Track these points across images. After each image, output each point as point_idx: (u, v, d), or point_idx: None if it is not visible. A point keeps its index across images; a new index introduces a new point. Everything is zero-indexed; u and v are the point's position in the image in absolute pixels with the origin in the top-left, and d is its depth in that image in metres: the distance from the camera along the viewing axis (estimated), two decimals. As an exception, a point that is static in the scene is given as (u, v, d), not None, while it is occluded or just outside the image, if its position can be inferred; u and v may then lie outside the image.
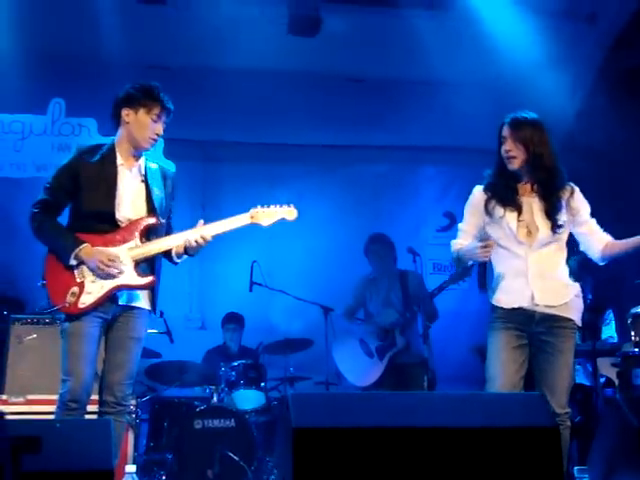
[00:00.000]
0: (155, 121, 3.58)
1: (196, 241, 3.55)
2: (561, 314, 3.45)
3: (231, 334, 6.36)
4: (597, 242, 3.58)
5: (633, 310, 4.98)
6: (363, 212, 7.31)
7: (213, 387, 5.43)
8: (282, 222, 6.96)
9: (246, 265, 6.02)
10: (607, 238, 3.58)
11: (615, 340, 5.77)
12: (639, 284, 5.24)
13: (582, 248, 3.65)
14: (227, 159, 7.23)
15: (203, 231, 3.58)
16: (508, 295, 3.49)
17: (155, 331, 5.75)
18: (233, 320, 6.39)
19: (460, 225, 3.74)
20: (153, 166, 3.71)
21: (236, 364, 5.61)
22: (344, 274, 6.21)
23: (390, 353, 5.50)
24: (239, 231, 6.88)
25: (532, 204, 3.53)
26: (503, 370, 3.40)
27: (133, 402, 4.72)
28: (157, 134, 3.60)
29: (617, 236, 3.64)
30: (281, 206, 3.86)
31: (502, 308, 3.50)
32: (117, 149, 3.62)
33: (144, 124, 3.56)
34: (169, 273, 7.05)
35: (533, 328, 3.46)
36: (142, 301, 3.59)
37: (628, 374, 4.86)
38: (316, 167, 7.39)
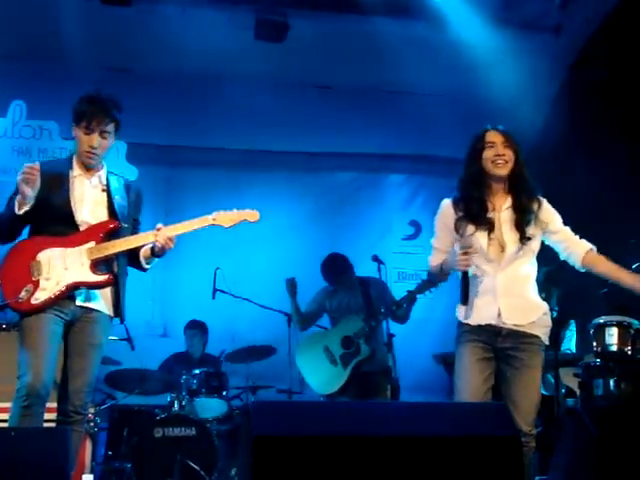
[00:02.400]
0: (87, 133, 3.56)
1: (158, 242, 3.53)
2: (528, 331, 3.45)
3: (192, 340, 6.33)
4: (576, 248, 3.53)
5: (595, 321, 5.03)
6: (328, 219, 7.34)
7: (174, 395, 5.38)
8: (246, 229, 7.02)
9: (209, 272, 6.00)
10: (587, 246, 3.53)
11: (572, 351, 5.81)
12: (602, 295, 5.35)
13: (562, 257, 3.60)
14: (192, 164, 7.20)
15: (164, 231, 3.55)
16: (475, 312, 3.47)
17: (115, 338, 5.69)
18: (195, 326, 6.37)
19: (432, 241, 3.70)
20: (115, 178, 3.74)
21: (198, 372, 5.58)
22: (309, 281, 6.15)
23: (354, 361, 5.48)
24: (203, 237, 6.95)
25: (501, 219, 3.50)
26: (470, 382, 3.40)
27: (92, 410, 4.67)
28: (91, 146, 3.56)
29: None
30: (244, 209, 3.83)
31: (469, 324, 3.49)
32: (74, 160, 3.66)
33: (78, 138, 3.60)
34: (131, 279, 7.00)
35: (499, 343, 3.45)
36: (102, 304, 3.56)
37: (589, 384, 4.95)
38: (282, 174, 7.39)
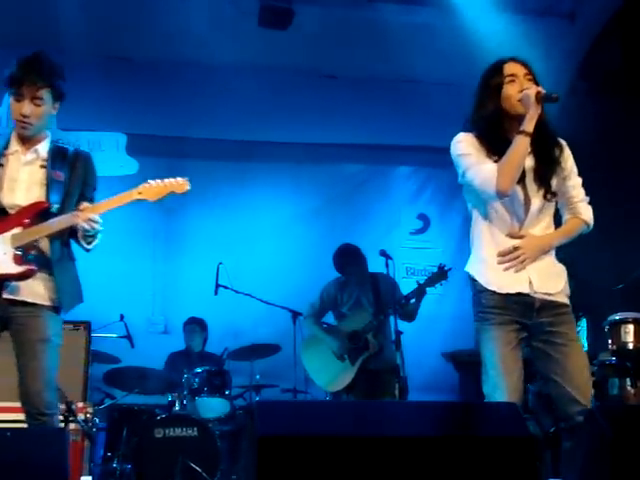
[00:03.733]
0: (18, 100, 3.34)
1: (79, 223, 3.28)
2: (559, 300, 3.14)
3: (191, 336, 6.32)
4: (565, 214, 3.27)
5: (611, 317, 4.99)
6: (335, 213, 7.32)
7: (175, 394, 5.36)
8: (249, 222, 7.11)
9: (212, 267, 6.00)
10: (580, 215, 3.23)
11: (586, 348, 5.80)
12: (616, 291, 5.33)
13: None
14: (194, 156, 7.14)
15: (86, 212, 3.29)
16: (502, 277, 3.12)
17: (114, 335, 5.69)
18: (194, 322, 6.36)
19: (472, 158, 3.15)
20: (59, 149, 3.47)
21: (200, 370, 5.56)
22: (314, 277, 6.17)
23: (362, 357, 5.47)
24: (205, 231, 7.04)
25: (525, 167, 3.14)
26: (509, 378, 3.05)
27: (90, 409, 4.66)
28: (22, 114, 3.32)
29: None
30: (172, 178, 3.57)
31: (495, 293, 3.11)
32: (12, 134, 3.44)
33: (11, 107, 3.37)
34: (130, 274, 7.03)
35: (535, 318, 3.11)
36: (39, 296, 3.32)
37: (604, 383, 4.92)
38: (287, 165, 7.39)
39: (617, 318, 4.96)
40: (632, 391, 4.79)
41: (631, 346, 4.89)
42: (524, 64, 3.20)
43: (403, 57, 6.52)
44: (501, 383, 3.04)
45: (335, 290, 5.77)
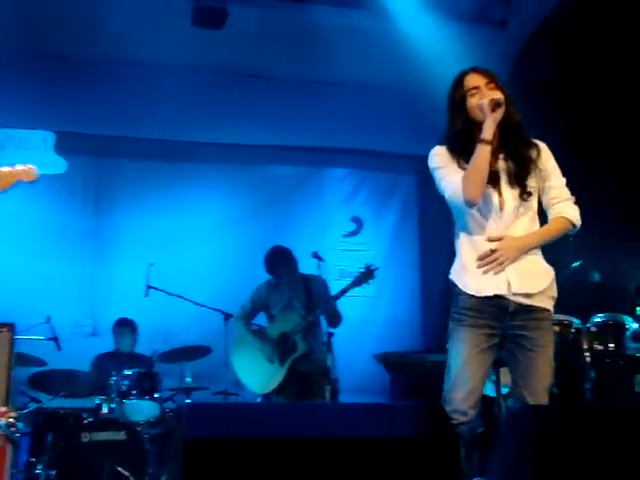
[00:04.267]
0: None
1: None
2: (537, 304, 3.16)
3: (121, 337, 6.25)
4: (549, 215, 3.29)
5: None
6: (267, 214, 7.32)
7: (103, 397, 5.29)
8: (181, 222, 7.07)
9: (142, 268, 5.96)
10: (564, 215, 3.24)
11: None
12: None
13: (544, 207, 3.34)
14: (124, 155, 7.11)
15: None
16: (479, 280, 3.17)
17: (41, 337, 5.58)
18: (123, 324, 6.28)
19: (441, 172, 3.25)
20: None
21: (129, 373, 5.49)
22: (246, 278, 6.16)
23: (291, 358, 5.50)
24: (135, 231, 6.96)
25: (498, 170, 3.22)
26: (470, 378, 3.12)
27: (13, 414, 4.56)
28: None
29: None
30: (18, 166, 3.43)
31: (472, 297, 3.16)
32: None
33: None
34: (58, 275, 6.90)
35: (507, 322, 3.15)
36: None
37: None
38: (220, 166, 7.38)
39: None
40: (555, 392, 4.88)
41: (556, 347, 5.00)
42: (485, 73, 3.26)
43: (337, 59, 6.57)
44: (462, 382, 3.12)
45: (266, 292, 5.78)
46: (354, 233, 7.77)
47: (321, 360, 5.33)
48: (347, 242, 7.71)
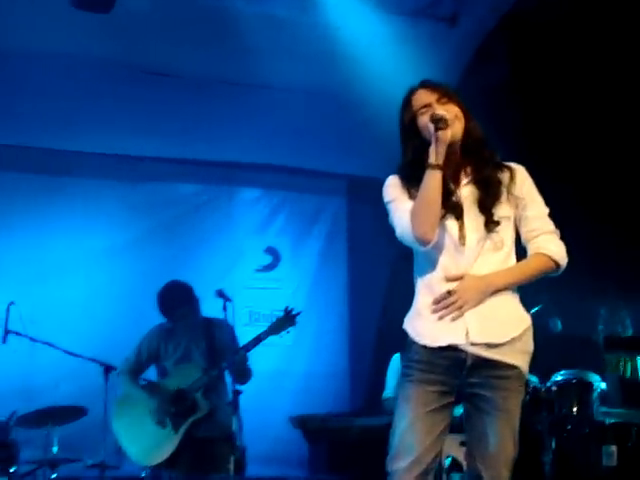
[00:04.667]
0: None
1: None
2: (502, 359, 3.10)
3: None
4: (528, 251, 3.27)
5: None
6: (162, 242, 7.31)
7: (-62, 476, 5.17)
8: (52, 251, 6.90)
9: (0, 308, 5.84)
10: (545, 251, 3.22)
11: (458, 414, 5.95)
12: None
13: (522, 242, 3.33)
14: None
15: None
16: (433, 328, 3.16)
17: None
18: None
19: (395, 204, 3.26)
20: None
21: (-25, 442, 5.38)
22: (134, 323, 6.11)
23: (188, 422, 5.42)
24: None
25: (461, 198, 3.22)
26: (416, 444, 3.06)
27: None
28: None
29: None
30: None
31: (424, 347, 3.15)
32: None
33: None
34: None
35: (463, 378, 3.13)
36: None
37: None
38: (106, 181, 7.34)
39: None
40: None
41: None
42: (436, 88, 3.26)
43: (254, 57, 6.56)
44: (405, 450, 3.07)
45: (158, 339, 5.71)
46: (269, 267, 7.80)
47: (225, 423, 5.27)
48: (260, 278, 7.74)
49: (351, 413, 6.54)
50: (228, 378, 5.51)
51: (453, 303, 3.12)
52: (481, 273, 3.16)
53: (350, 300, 7.78)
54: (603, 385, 5.34)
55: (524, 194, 3.25)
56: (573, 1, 6.06)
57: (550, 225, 3.27)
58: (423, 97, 3.25)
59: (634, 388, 5.80)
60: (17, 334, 5.77)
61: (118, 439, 5.52)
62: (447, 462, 5.35)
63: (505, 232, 3.21)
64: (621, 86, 6.06)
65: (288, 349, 6.99)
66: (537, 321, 5.36)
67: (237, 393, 5.15)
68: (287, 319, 5.46)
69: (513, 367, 3.11)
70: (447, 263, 3.18)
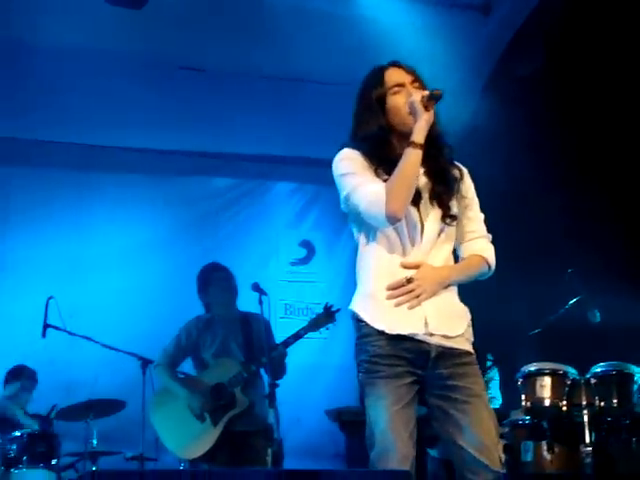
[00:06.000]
0: None
1: None
2: (460, 347, 3.16)
3: (17, 395, 6.20)
4: (462, 250, 3.34)
5: (525, 368, 5.11)
6: (197, 237, 7.34)
7: (-16, 467, 5.25)
8: (90, 246, 6.96)
9: (39, 302, 5.89)
10: (480, 252, 3.31)
11: (499, 403, 5.97)
12: (532, 337, 5.53)
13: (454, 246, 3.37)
14: (20, 161, 7.11)
15: None
16: (393, 315, 3.13)
17: None
18: (22, 375, 6.21)
19: (358, 178, 3.19)
20: None
21: (18, 434, 5.45)
22: (169, 315, 6.20)
23: (227, 416, 5.44)
24: (31, 256, 6.82)
25: (419, 186, 3.19)
26: (399, 443, 3.05)
27: None
28: None
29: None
30: None
31: (384, 335, 3.11)
32: None
33: None
34: None
35: (430, 369, 3.13)
36: None
37: (517, 448, 5.05)
38: (139, 177, 7.37)
39: (532, 369, 5.08)
40: (549, 457, 4.93)
41: (547, 402, 5.02)
42: (409, 70, 3.28)
43: (288, 50, 6.60)
44: (389, 449, 3.04)
45: (196, 331, 5.72)
46: (304, 261, 7.83)
47: (262, 417, 5.28)
48: (295, 272, 7.76)
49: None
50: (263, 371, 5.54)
51: (411, 291, 3.13)
52: (434, 264, 3.20)
53: (385, 293, 7.75)
54: (644, 376, 5.32)
55: (470, 195, 3.33)
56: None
57: (485, 230, 3.35)
58: (397, 76, 3.25)
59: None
60: (56, 328, 5.82)
61: (157, 432, 5.54)
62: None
63: (454, 228, 3.27)
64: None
65: (324, 342, 6.95)
66: (576, 312, 5.49)
67: (274, 386, 5.14)
68: (327, 315, 5.50)
69: (470, 354, 3.19)
70: (406, 249, 3.19)
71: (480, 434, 3.08)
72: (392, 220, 3.10)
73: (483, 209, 3.37)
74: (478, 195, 3.36)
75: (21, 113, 6.71)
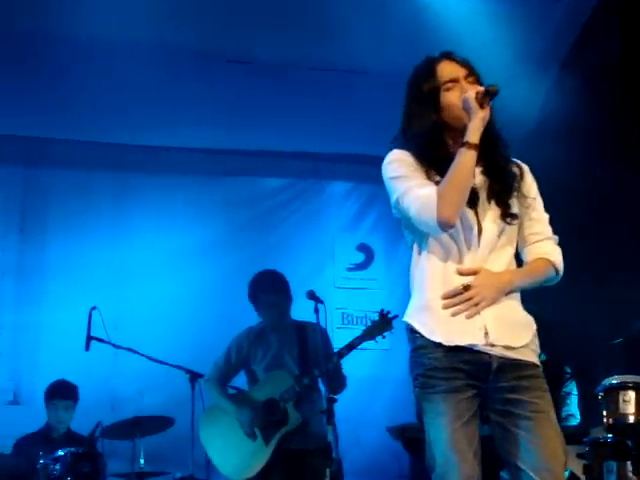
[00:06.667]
0: None
1: None
2: (525, 359, 3.08)
3: (60, 413, 6.12)
4: (526, 254, 3.26)
5: (606, 382, 4.91)
6: (248, 242, 7.30)
7: (27, 488, 5.25)
8: (134, 253, 6.96)
9: (82, 313, 5.84)
10: (546, 255, 3.22)
11: (578, 420, 5.82)
12: (614, 346, 5.35)
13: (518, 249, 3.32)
14: (55, 163, 7.09)
15: None
16: (450, 326, 3.06)
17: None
18: (64, 393, 6.14)
19: (409, 182, 3.14)
20: None
21: (62, 454, 5.38)
22: (219, 326, 6.23)
23: (280, 434, 5.41)
24: (73, 264, 6.82)
25: (476, 186, 3.16)
26: (462, 464, 2.97)
27: None
28: None
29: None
30: None
31: (441, 347, 3.04)
32: None
33: None
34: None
35: (491, 382, 3.05)
36: None
37: (598, 469, 4.82)
38: (184, 178, 7.37)
39: (613, 383, 4.86)
40: (634, 479, 4.68)
41: (632, 419, 4.79)
42: (463, 63, 3.21)
43: (342, 40, 6.51)
44: (451, 471, 2.97)
45: (247, 343, 5.72)
46: (362, 266, 7.77)
47: (319, 435, 5.29)
48: (352, 278, 7.70)
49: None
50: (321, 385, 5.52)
51: (469, 299, 3.06)
52: (494, 269, 3.12)
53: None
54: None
55: (533, 194, 3.26)
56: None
57: (551, 231, 3.28)
58: (450, 70, 3.18)
59: None
60: (100, 341, 5.78)
61: (207, 451, 5.55)
62: (566, 475, 5.22)
63: (515, 229, 3.21)
64: None
65: (384, 354, 6.92)
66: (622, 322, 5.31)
67: (332, 401, 5.06)
68: (383, 323, 5.41)
69: (536, 366, 3.10)
70: (463, 255, 3.13)
71: (543, 456, 2.97)
72: (444, 226, 3.05)
73: (550, 207, 3.28)
74: (546, 192, 3.28)
75: (60, 112, 6.66)
